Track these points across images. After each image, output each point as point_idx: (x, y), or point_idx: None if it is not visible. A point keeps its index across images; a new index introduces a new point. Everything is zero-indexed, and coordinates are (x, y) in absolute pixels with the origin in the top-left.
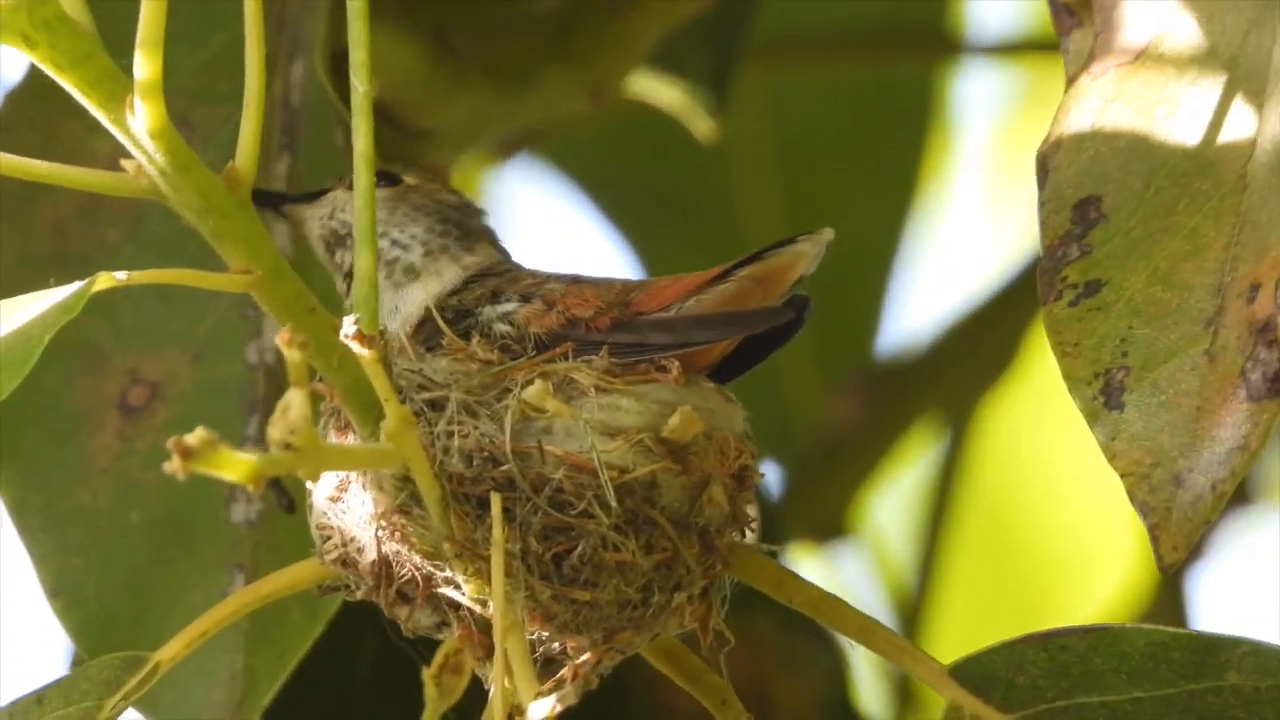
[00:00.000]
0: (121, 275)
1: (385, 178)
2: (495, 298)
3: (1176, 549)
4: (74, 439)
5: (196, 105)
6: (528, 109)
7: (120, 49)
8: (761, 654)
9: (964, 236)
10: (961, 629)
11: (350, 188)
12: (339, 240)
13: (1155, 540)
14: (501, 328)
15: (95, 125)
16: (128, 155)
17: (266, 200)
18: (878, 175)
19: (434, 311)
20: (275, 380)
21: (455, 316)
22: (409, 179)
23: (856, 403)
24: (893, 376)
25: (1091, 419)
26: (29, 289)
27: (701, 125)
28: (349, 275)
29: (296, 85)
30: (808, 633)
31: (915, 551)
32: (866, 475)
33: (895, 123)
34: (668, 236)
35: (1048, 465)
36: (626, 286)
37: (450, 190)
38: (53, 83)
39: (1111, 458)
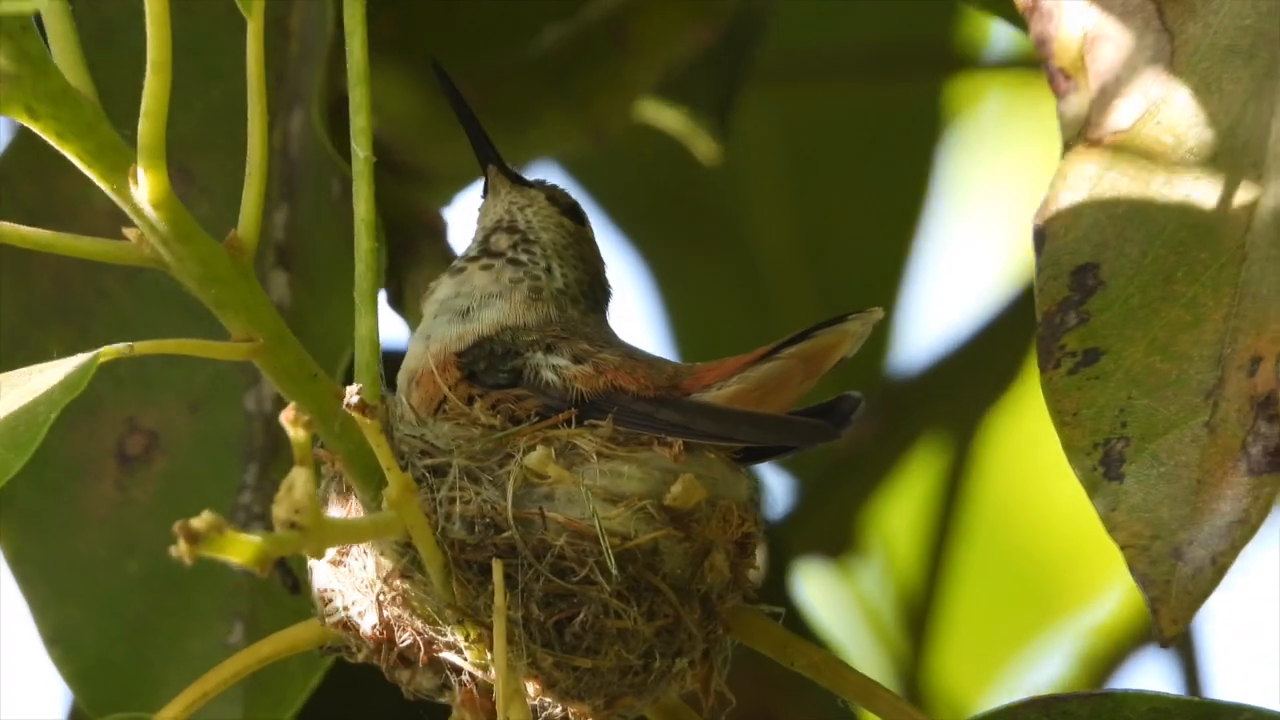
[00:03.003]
0: (124, 346)
1: (577, 215)
2: (549, 349)
3: (1176, 622)
4: (71, 488)
5: (194, 156)
6: (528, 148)
7: (121, 109)
8: (768, 688)
9: (971, 254)
10: (969, 640)
11: (550, 200)
12: (515, 231)
13: (1155, 613)
14: (549, 376)
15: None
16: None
17: (481, 148)
18: (887, 194)
19: (437, 377)
20: (273, 429)
21: (504, 353)
22: (589, 232)
23: (865, 419)
24: (901, 392)
25: (1091, 489)
26: (31, 340)
27: (705, 149)
28: (490, 254)
29: (295, 136)
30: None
31: (923, 564)
32: (876, 490)
33: (904, 142)
34: (680, 255)
35: (1053, 478)
36: (678, 370)
37: (606, 274)
38: None
39: (1111, 529)
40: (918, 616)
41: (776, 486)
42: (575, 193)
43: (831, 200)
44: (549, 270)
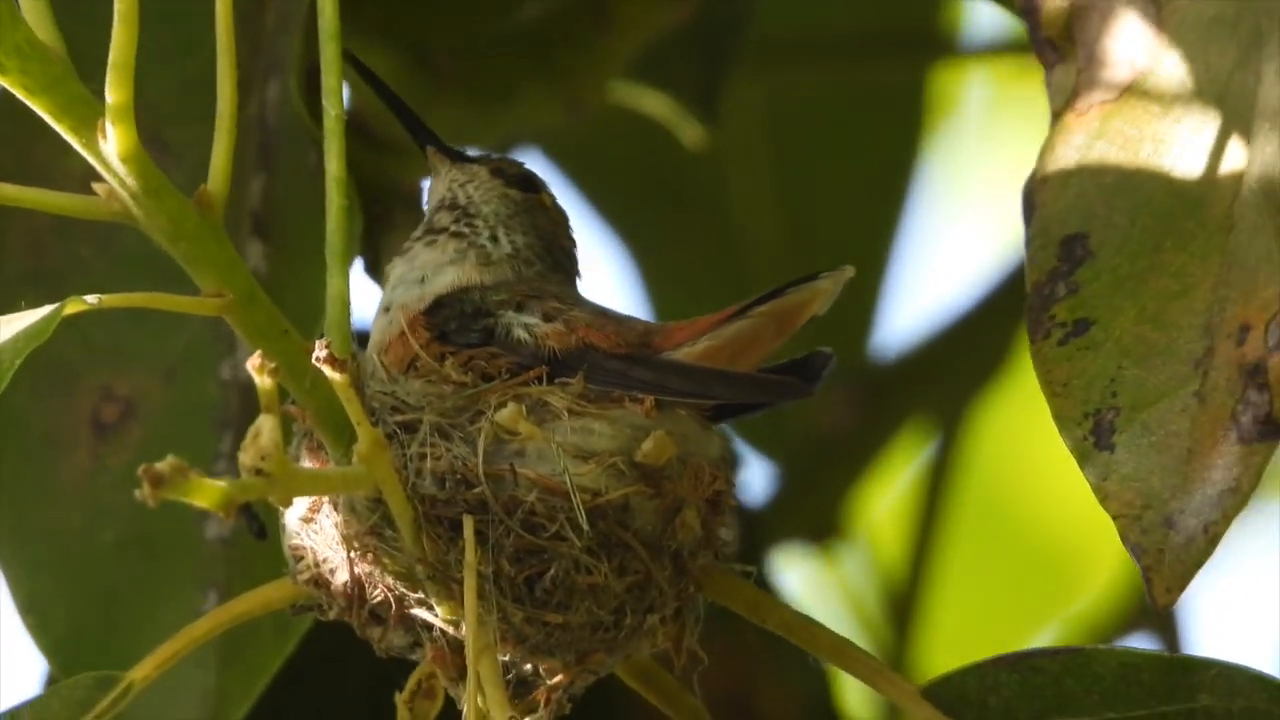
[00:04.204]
0: (92, 299)
1: (527, 184)
2: (520, 307)
3: (1170, 590)
4: (45, 457)
5: (170, 125)
6: (506, 123)
7: (91, 71)
8: (745, 661)
9: (956, 238)
10: (954, 627)
11: (494, 173)
12: (455, 207)
13: (1149, 582)
14: (521, 334)
15: (68, 144)
16: (100, 174)
17: (418, 131)
18: (870, 177)
19: (408, 335)
20: (248, 398)
21: (474, 312)
22: (546, 199)
23: (849, 404)
24: (885, 377)
25: (1082, 459)
26: (2, 305)
27: (690, 133)
28: (432, 231)
29: (272, 105)
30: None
31: (908, 551)
32: (860, 475)
33: (888, 125)
34: (662, 238)
35: (1039, 465)
36: (648, 328)
37: (570, 237)
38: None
39: (1103, 499)
40: (902, 603)
41: (759, 470)
42: (557, 177)
43: (814, 185)
44: (494, 239)
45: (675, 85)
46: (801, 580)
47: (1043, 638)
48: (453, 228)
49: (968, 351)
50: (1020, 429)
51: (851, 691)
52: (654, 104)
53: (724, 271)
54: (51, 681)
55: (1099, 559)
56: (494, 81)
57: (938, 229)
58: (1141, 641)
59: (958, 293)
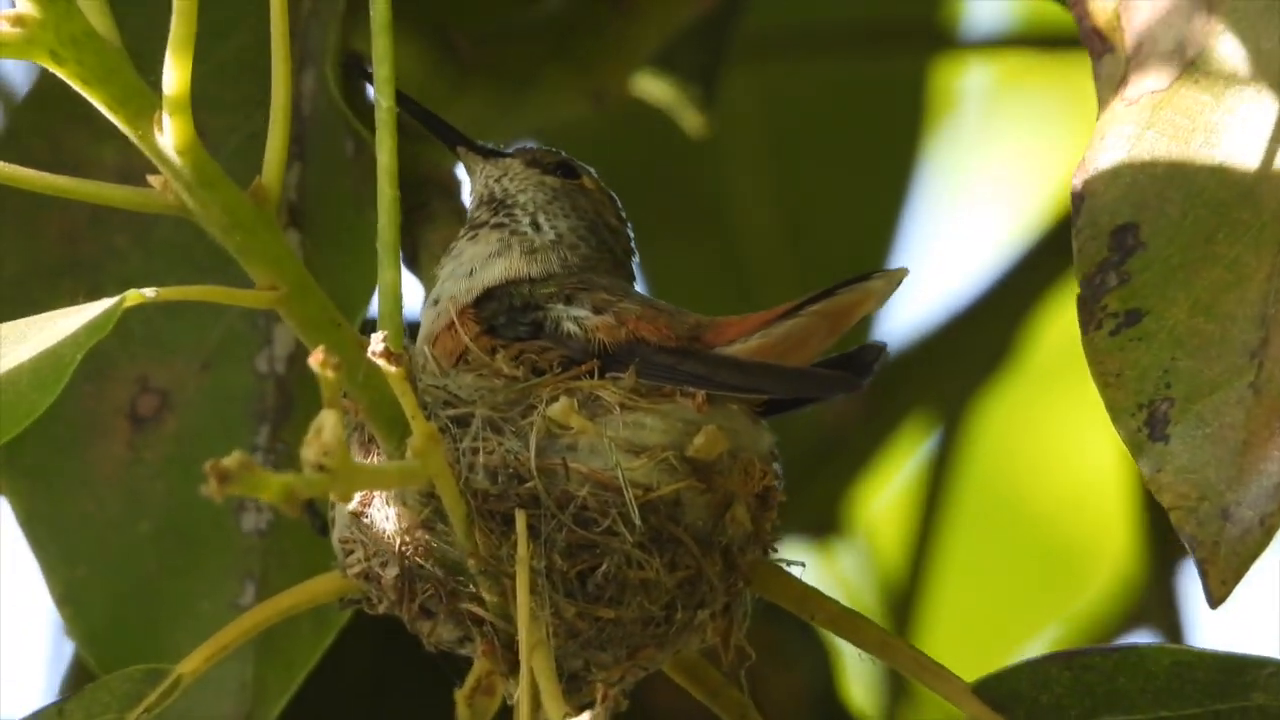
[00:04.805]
0: (150, 292)
1: (566, 170)
2: (569, 300)
3: (1225, 583)
4: (81, 447)
5: (203, 112)
6: (529, 112)
7: (147, 63)
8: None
9: (956, 231)
10: (955, 623)
11: (530, 164)
12: (495, 201)
13: (1204, 575)
14: (570, 327)
15: (101, 134)
16: (135, 164)
17: (446, 134)
18: (870, 170)
19: (458, 327)
20: (285, 390)
21: (523, 306)
22: (588, 182)
23: (850, 398)
24: (887, 372)
25: (1136, 450)
26: (39, 295)
27: (691, 120)
28: (474, 227)
29: (307, 94)
30: (795, 626)
31: (909, 546)
32: (861, 470)
33: (887, 117)
34: (660, 233)
35: (1040, 460)
36: (699, 322)
37: (619, 217)
38: (59, 92)
39: (1158, 490)
40: (902, 600)
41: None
42: None
43: (814, 178)
44: (536, 226)
45: (676, 71)
46: (801, 575)
47: (1044, 636)
48: (492, 220)
49: (968, 346)
50: (1021, 424)
51: (854, 680)
52: (655, 90)
53: (722, 267)
54: (78, 671)
55: (1100, 554)
56: (517, 70)
57: (938, 223)
58: (1144, 638)
59: (958, 286)
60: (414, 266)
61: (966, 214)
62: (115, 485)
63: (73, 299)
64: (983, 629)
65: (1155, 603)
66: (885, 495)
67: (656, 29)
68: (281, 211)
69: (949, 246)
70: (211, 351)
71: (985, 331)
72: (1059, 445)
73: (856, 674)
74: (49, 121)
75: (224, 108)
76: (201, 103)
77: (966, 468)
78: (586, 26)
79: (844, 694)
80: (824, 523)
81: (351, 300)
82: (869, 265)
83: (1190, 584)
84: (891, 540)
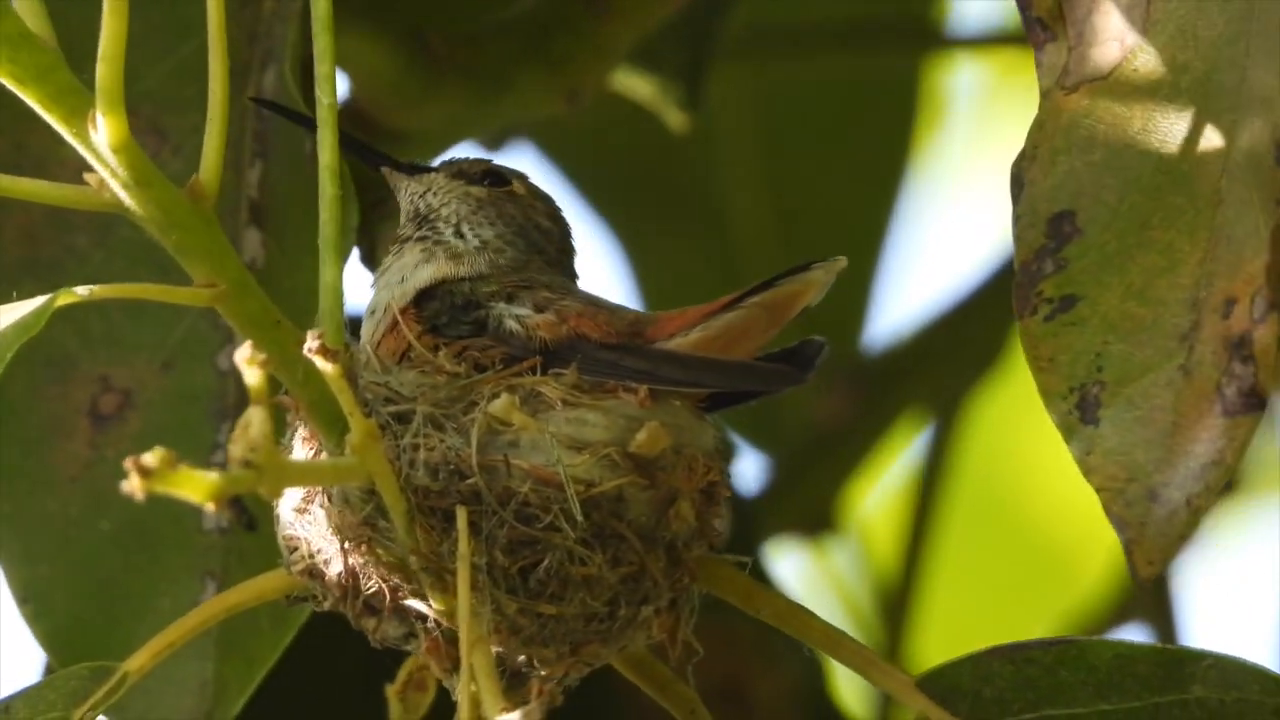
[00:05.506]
0: (84, 290)
1: (494, 178)
2: (510, 298)
3: (1152, 563)
4: (43, 447)
5: (166, 112)
6: (504, 111)
7: (82, 62)
8: (738, 649)
9: (949, 229)
10: (946, 620)
11: (454, 176)
12: (420, 217)
13: (1130, 554)
14: (512, 325)
15: (63, 134)
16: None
17: (369, 156)
18: (861, 167)
19: (402, 325)
20: (246, 388)
21: (465, 304)
22: (518, 187)
23: (843, 396)
24: (879, 369)
25: (1067, 434)
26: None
27: (675, 119)
28: (400, 242)
29: (268, 93)
30: None
31: (902, 544)
32: (853, 468)
33: (878, 115)
34: (651, 229)
35: (1033, 457)
36: (640, 318)
37: (552, 217)
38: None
39: (1087, 472)
40: (895, 597)
41: (752, 462)
42: (545, 165)
43: (804, 175)
44: (459, 235)
45: (660, 69)
46: (794, 572)
47: (1036, 630)
48: (416, 234)
49: (961, 343)
50: (1014, 421)
51: (844, 681)
52: (639, 88)
53: (713, 263)
54: (49, 672)
55: (1093, 551)
56: (491, 69)
57: (929, 220)
58: (1135, 633)
59: (950, 284)
60: (372, 264)
61: (958, 211)
62: (77, 484)
63: None
64: (975, 626)
65: (1147, 600)
66: (879, 493)
67: (632, 29)
68: (242, 209)
69: (941, 242)
70: (173, 350)
71: (978, 328)
72: (1052, 443)
73: (846, 677)
74: (10, 121)
75: (187, 106)
76: (164, 102)
77: (960, 465)
78: (561, 26)
79: (833, 695)
80: (817, 520)
81: (310, 297)
82: (863, 261)
83: (1183, 583)
84: (885, 538)
